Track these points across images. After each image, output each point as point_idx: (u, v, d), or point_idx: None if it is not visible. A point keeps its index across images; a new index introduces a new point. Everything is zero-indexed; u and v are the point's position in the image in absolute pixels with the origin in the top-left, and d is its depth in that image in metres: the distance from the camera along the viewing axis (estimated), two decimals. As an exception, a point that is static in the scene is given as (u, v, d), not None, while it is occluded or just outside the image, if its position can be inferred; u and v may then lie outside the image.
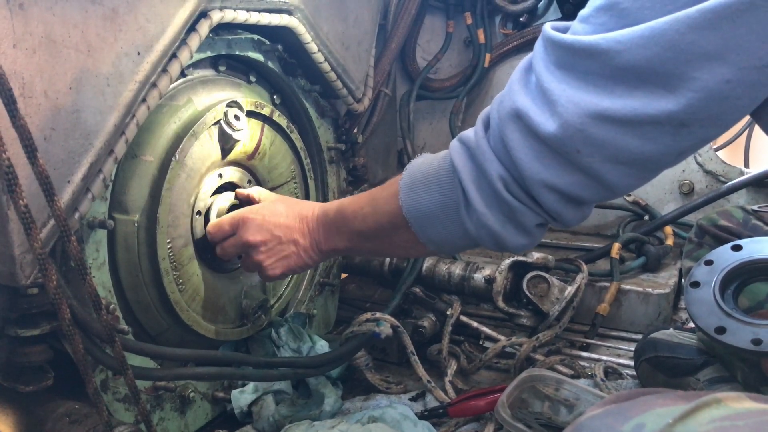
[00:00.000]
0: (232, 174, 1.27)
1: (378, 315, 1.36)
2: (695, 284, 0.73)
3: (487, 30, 1.96)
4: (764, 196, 1.71)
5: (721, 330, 0.74)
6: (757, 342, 0.71)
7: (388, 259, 1.61)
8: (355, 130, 1.64)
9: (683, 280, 1.23)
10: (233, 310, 1.28)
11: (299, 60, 1.40)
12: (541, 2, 1.91)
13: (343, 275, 1.82)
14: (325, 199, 1.56)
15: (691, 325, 1.32)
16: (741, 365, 1.03)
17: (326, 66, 1.41)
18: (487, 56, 1.97)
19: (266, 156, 1.32)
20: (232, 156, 1.24)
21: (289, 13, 1.28)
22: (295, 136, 1.39)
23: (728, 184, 1.68)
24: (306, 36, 1.32)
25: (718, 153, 2.50)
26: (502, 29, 1.99)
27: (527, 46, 1.96)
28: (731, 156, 3.24)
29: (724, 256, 0.76)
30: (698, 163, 1.81)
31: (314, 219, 1.11)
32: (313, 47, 1.35)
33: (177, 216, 1.13)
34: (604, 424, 0.59)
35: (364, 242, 1.04)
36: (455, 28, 2.01)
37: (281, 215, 1.11)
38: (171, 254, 1.12)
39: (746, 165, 3.08)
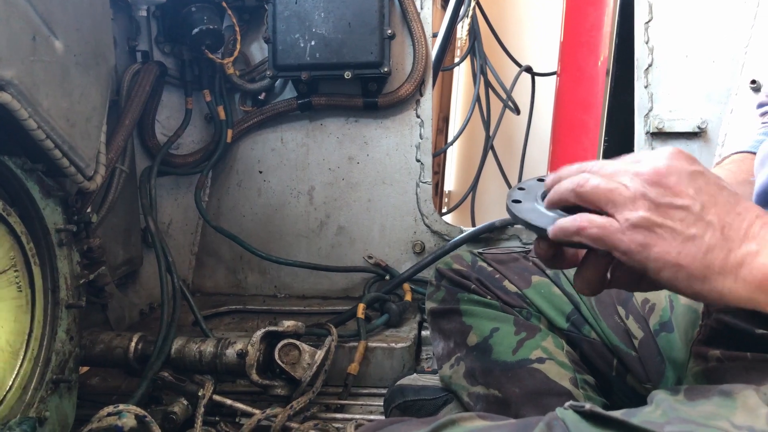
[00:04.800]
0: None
1: (121, 407, 1.27)
2: (517, 201, 0.75)
3: (227, 107, 2.01)
4: (481, 246, 1.96)
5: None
6: None
7: (132, 345, 1.51)
8: (89, 210, 1.54)
9: (426, 319, 1.33)
10: (-63, 426, 1.09)
11: (17, 137, 1.28)
12: (278, 82, 2.01)
13: (83, 368, 1.66)
14: (55, 286, 1.42)
15: (433, 367, 1.45)
16: (462, 393, 1.15)
17: (49, 143, 1.32)
18: (229, 132, 2.00)
19: (-23, 244, 1.18)
20: (-70, 246, 1.09)
21: (0, 88, 1.18)
22: (13, 219, 1.26)
23: (451, 241, 1.90)
24: (22, 112, 1.23)
25: (446, 217, 2.80)
26: (242, 106, 2.05)
27: (267, 122, 2.04)
28: (461, 217, 3.67)
29: (534, 184, 0.80)
30: (426, 225, 2.02)
31: None
32: (31, 124, 1.26)
33: None
34: None
35: None
36: (194, 104, 2.02)
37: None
38: None
39: (473, 224, 3.50)
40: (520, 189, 0.78)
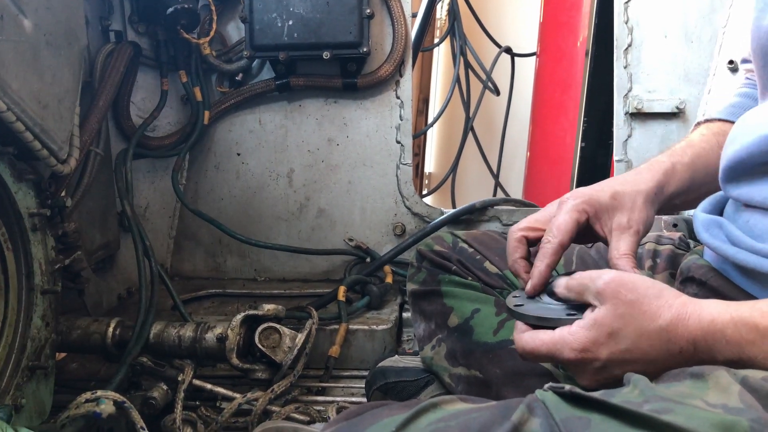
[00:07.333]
0: None
1: (99, 393, 1.25)
2: (519, 305, 0.81)
3: (203, 88, 1.97)
4: (462, 228, 1.96)
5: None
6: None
7: (110, 330, 1.49)
8: (63, 193, 1.51)
9: (407, 301, 1.32)
10: None
11: (-15, 119, 1.25)
12: (255, 62, 1.98)
13: (61, 354, 1.63)
14: (29, 272, 1.40)
15: (414, 349, 1.45)
16: (444, 374, 1.15)
17: (19, 126, 1.28)
18: (206, 113, 1.97)
19: (-54, 229, 1.15)
20: None
21: (-33, 69, 1.14)
22: (-16, 204, 1.23)
23: (431, 223, 1.90)
24: (-9, 96, 1.19)
25: (427, 199, 2.79)
26: (219, 87, 2.02)
27: (245, 103, 2.01)
28: (442, 198, 3.67)
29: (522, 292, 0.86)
30: (407, 207, 2.01)
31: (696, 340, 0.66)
32: (1, 106, 1.22)
33: None
34: None
35: None
36: (170, 85, 1.99)
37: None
38: None
39: (454, 205, 3.50)
40: (515, 296, 0.85)
